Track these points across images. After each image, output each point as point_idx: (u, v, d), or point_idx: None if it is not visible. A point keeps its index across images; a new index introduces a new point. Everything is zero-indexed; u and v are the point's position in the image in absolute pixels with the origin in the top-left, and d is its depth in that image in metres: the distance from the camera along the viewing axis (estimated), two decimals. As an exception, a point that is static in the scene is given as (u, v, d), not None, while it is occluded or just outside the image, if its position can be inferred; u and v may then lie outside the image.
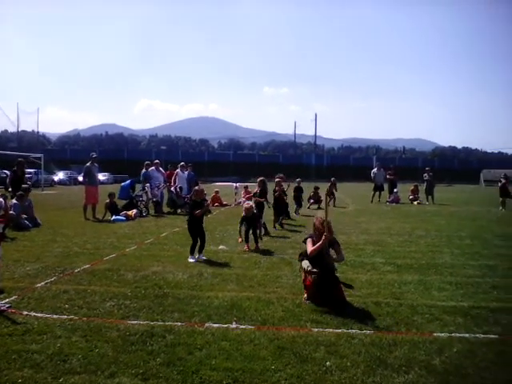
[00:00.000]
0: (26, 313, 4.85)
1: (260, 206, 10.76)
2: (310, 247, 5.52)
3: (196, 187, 8.97)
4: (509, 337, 4.35)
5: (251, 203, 9.61)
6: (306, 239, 5.75)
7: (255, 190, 11.66)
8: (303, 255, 5.72)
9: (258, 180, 11.88)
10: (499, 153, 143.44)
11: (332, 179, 21.15)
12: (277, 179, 13.18)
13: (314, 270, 5.38)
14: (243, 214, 9.25)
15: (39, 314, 4.81)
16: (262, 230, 9.58)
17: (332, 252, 5.61)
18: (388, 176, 23.70)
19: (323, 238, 5.32)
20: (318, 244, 5.39)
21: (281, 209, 12.64)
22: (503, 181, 19.92)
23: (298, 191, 17.22)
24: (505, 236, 10.96)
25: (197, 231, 8.09)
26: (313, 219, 5.90)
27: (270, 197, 12.27)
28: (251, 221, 9.13)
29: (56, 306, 5.11)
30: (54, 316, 4.77)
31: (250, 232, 9.05)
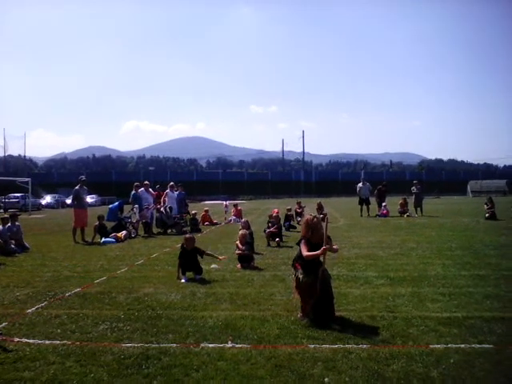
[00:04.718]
0: (17, 339, 4.76)
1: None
2: (304, 250, 5.27)
3: (187, 235, 8.44)
4: (504, 346, 4.35)
5: (246, 231, 9.56)
6: (299, 241, 5.45)
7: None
8: (297, 259, 5.45)
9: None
10: (484, 164, 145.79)
11: (298, 201, 21.16)
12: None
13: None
14: (237, 241, 9.28)
15: (31, 340, 4.72)
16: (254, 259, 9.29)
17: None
18: (381, 189, 23.82)
19: (322, 249, 5.11)
20: (316, 253, 5.15)
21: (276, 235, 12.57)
22: None
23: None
24: (494, 245, 11.03)
25: (190, 266, 7.86)
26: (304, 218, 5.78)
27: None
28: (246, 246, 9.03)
29: (48, 332, 5.01)
30: (47, 342, 4.68)
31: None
